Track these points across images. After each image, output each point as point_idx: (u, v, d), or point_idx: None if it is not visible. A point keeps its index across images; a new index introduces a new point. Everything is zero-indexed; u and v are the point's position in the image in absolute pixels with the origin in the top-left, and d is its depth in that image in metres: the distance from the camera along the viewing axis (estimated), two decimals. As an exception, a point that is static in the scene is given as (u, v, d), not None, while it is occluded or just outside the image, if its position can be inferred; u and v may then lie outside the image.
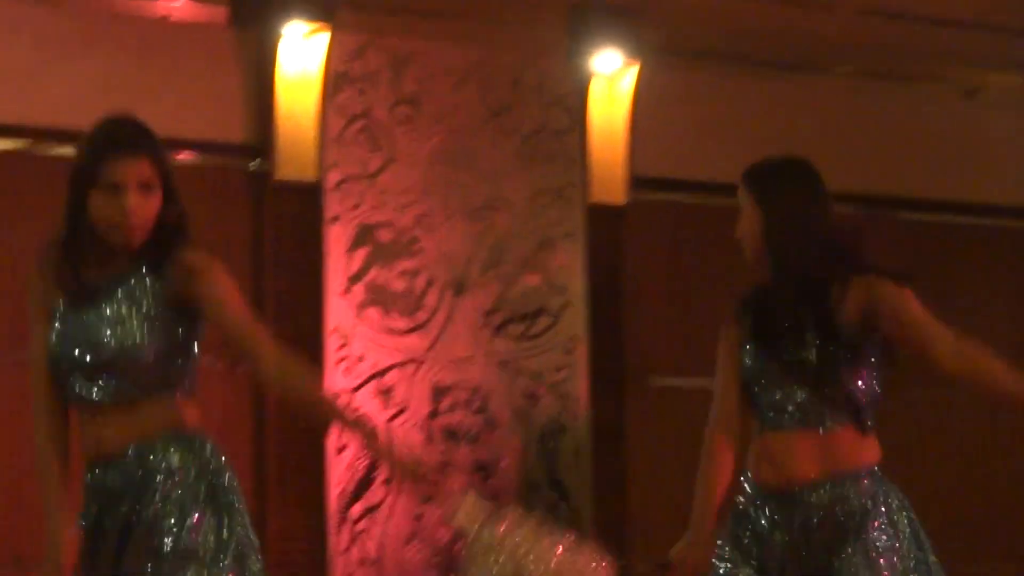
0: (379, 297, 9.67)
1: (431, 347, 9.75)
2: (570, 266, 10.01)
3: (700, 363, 9.78)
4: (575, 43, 10.10)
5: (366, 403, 9.70)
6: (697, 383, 9.81)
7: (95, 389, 5.53)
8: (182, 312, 5.56)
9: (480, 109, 9.92)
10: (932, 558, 6.18)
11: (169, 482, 5.38)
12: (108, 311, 5.50)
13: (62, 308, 5.50)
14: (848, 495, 6.15)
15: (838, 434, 6.03)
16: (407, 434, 9.78)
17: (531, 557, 5.65)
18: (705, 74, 10.54)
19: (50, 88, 9.04)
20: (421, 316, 9.77)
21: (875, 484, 6.15)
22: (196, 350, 5.62)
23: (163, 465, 5.37)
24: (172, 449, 5.40)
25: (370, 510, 9.64)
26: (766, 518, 6.20)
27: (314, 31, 9.41)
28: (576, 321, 10.04)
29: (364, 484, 9.67)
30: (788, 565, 6.17)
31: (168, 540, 5.39)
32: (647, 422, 10.24)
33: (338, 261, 9.59)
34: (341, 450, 9.57)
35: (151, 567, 5.30)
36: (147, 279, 5.49)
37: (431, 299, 9.76)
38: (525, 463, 9.90)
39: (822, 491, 6.10)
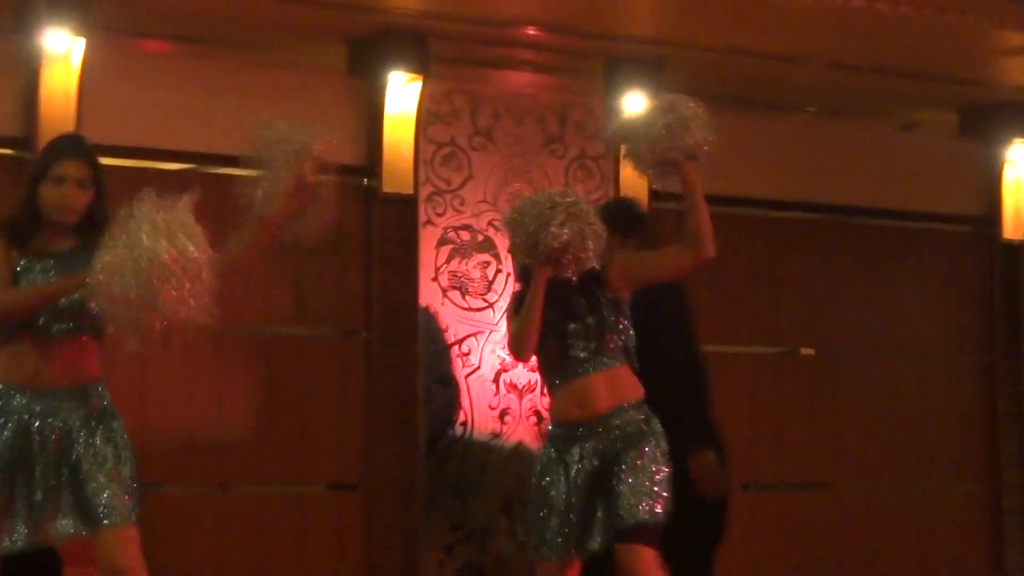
0: (459, 282, 9.92)
1: (498, 320, 9.90)
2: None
3: (705, 333, 10.26)
4: (609, 88, 10.23)
5: (450, 363, 9.81)
6: (705, 349, 10.46)
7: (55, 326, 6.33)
8: None
9: (536, 139, 10.17)
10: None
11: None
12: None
13: (24, 265, 6.31)
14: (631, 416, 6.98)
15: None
16: (480, 386, 9.91)
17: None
18: (715, 113, 9.96)
19: (213, 121, 9.26)
20: (492, 297, 9.98)
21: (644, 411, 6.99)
22: None
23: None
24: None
25: (450, 446, 9.79)
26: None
27: (411, 79, 9.64)
28: None
29: (445, 427, 9.85)
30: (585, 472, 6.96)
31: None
32: None
33: (428, 255, 9.83)
34: (430, 399, 9.80)
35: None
36: (84, 252, 6.25)
37: (498, 284, 10.00)
38: None
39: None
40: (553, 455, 7.23)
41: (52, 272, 6.35)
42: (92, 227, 6.41)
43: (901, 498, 11.35)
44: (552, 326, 6.98)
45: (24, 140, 8.81)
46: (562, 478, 7.27)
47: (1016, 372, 11.70)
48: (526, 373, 9.98)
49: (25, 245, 6.42)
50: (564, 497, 7.20)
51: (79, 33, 8.73)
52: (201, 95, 9.38)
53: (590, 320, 7.01)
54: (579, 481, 7.19)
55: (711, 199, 10.14)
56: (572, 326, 6.99)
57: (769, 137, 11.04)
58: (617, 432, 7.05)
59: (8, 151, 8.85)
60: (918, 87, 10.97)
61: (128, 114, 9.07)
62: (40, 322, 6.28)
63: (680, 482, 7.12)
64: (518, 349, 7.04)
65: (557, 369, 7.07)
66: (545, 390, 7.60)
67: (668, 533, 6.94)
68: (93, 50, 8.82)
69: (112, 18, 9.01)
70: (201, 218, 8.89)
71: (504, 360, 9.95)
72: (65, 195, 6.41)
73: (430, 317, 9.86)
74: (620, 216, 8.11)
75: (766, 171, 10.97)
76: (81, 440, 6.26)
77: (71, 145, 6.63)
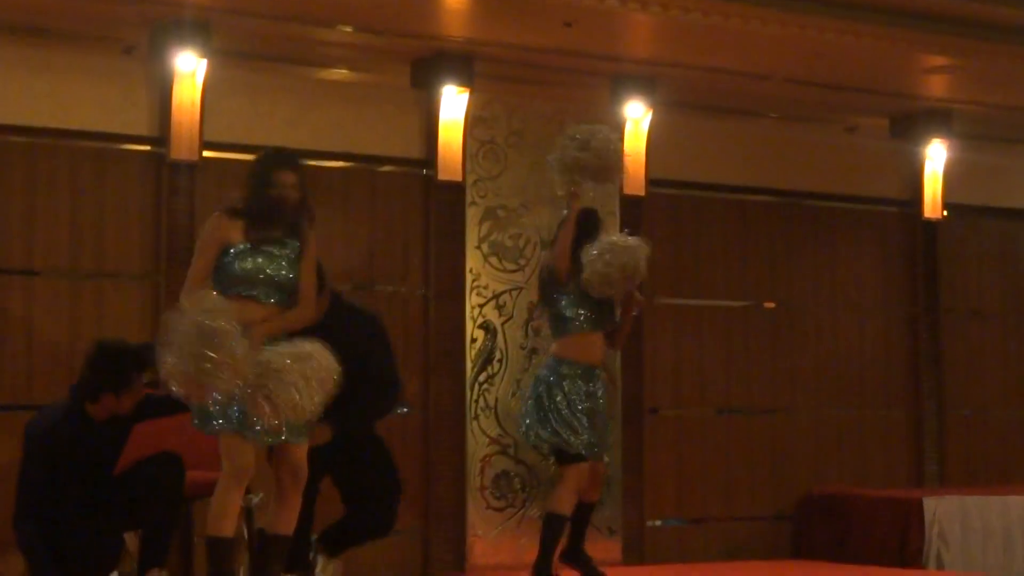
0: (497, 250, 9.89)
1: (527, 280, 9.84)
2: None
3: (688, 289, 10.77)
4: (615, 98, 10.23)
5: (490, 313, 9.79)
6: (690, 303, 10.83)
7: (272, 297, 6.53)
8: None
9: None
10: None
11: None
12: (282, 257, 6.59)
13: (243, 250, 6.48)
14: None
15: None
16: (512, 332, 9.89)
17: None
18: (694, 117, 10.77)
19: (303, 125, 9.28)
20: (521, 262, 9.93)
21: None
22: None
23: None
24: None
25: (490, 377, 9.80)
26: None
27: (461, 91, 9.64)
28: None
29: (485, 362, 9.80)
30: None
31: None
32: (656, 324, 10.48)
33: (473, 229, 9.81)
34: (474, 341, 9.78)
35: None
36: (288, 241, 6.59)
37: (528, 251, 9.96)
38: None
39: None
40: (580, 384, 7.63)
41: (262, 260, 6.54)
42: (296, 220, 6.62)
43: (843, 421, 11.37)
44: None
45: (160, 139, 8.87)
46: (587, 401, 7.64)
47: (934, 323, 11.69)
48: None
49: (247, 233, 6.57)
50: (593, 415, 7.58)
51: (203, 56, 8.81)
52: (294, 103, 9.38)
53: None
54: (600, 404, 7.54)
55: (698, 186, 10.79)
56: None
57: (740, 137, 11.01)
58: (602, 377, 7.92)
59: (147, 147, 8.91)
60: (857, 98, 10.95)
61: (239, 119, 9.13)
62: None
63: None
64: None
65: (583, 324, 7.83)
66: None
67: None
68: (213, 69, 8.89)
69: (227, 44, 9.07)
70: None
71: (532, 311, 9.90)
72: (285, 197, 6.61)
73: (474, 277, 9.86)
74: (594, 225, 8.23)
75: (738, 163, 10.98)
76: None
77: (285, 158, 6.75)
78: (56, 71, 8.68)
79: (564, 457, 7.93)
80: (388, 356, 7.45)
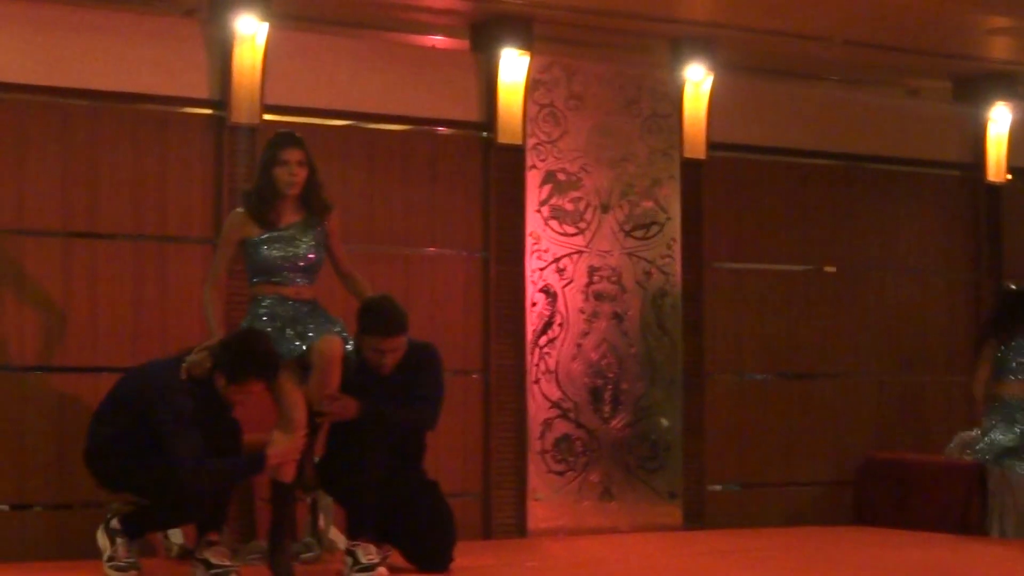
0: (557, 214, 9.85)
1: (588, 243, 9.89)
2: (671, 196, 10.17)
3: (749, 253, 10.74)
4: (675, 61, 10.22)
5: (550, 277, 9.77)
6: (750, 267, 10.76)
7: (295, 277, 7.17)
8: (323, 236, 7.28)
9: (618, 101, 10.06)
10: None
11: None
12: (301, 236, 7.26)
13: (264, 238, 7.24)
14: None
15: None
16: (573, 296, 9.90)
17: None
18: (758, 81, 10.83)
19: (363, 89, 9.32)
20: (582, 225, 9.91)
21: None
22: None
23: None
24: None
25: (550, 340, 9.78)
26: None
27: (521, 54, 9.61)
28: (674, 228, 10.15)
29: (546, 326, 9.79)
30: None
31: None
32: (716, 288, 10.48)
33: (533, 192, 9.77)
34: (534, 305, 9.77)
35: None
36: (306, 223, 7.29)
37: (588, 215, 9.94)
38: (643, 313, 10.05)
39: None
40: None
41: (280, 244, 7.31)
42: (310, 198, 7.36)
43: (904, 386, 11.29)
44: None
45: (220, 102, 8.88)
46: None
47: (997, 287, 11.50)
48: (610, 285, 10.00)
49: (263, 219, 7.29)
50: None
51: (264, 19, 8.81)
52: (354, 67, 9.37)
53: None
54: None
55: (759, 149, 10.73)
56: None
57: (800, 100, 10.95)
58: None
59: (209, 111, 8.92)
60: (919, 60, 10.87)
61: (299, 82, 9.11)
62: None
63: None
64: None
65: None
66: None
67: None
68: (273, 32, 8.89)
69: (287, 7, 9.09)
70: (354, 168, 9.26)
71: (592, 275, 9.96)
72: (292, 173, 7.15)
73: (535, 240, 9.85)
74: None
75: (798, 127, 10.89)
76: None
77: (290, 138, 7.37)
78: (117, 34, 8.70)
79: None
80: (435, 385, 7.65)
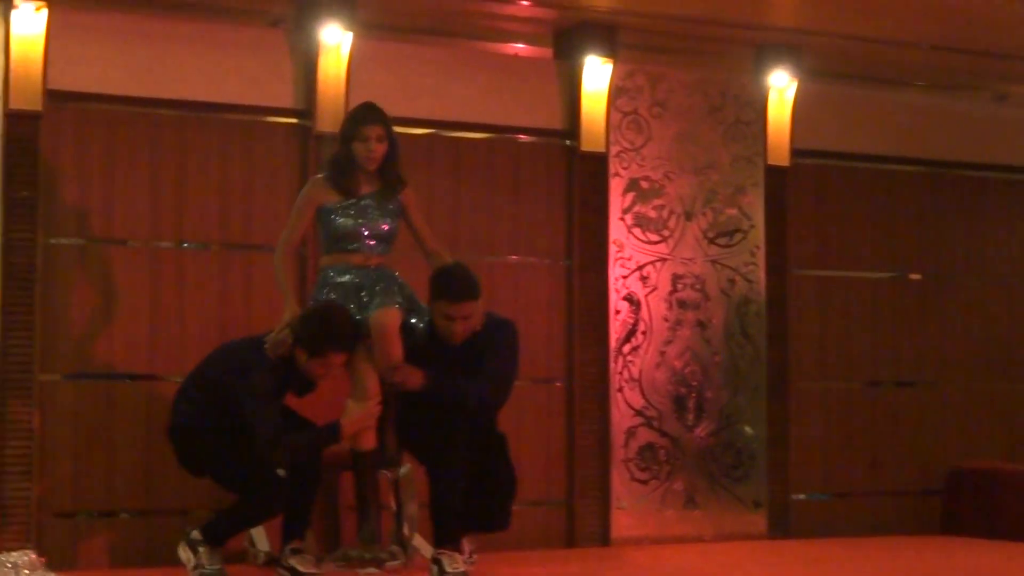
0: (640, 221, 9.84)
1: (671, 251, 9.89)
2: (754, 203, 10.14)
3: (833, 260, 10.65)
4: (759, 67, 10.19)
5: (634, 285, 9.76)
6: (835, 274, 10.68)
7: (368, 246, 7.30)
8: (399, 208, 7.39)
9: (702, 108, 10.06)
10: None
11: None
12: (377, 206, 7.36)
13: (341, 205, 7.37)
14: None
15: None
16: (656, 304, 9.90)
17: None
18: (839, 86, 10.71)
19: (447, 97, 9.35)
20: (665, 233, 9.90)
21: None
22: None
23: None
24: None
25: (634, 348, 9.77)
26: None
27: (604, 62, 9.60)
28: (758, 236, 10.13)
29: (629, 334, 9.77)
30: None
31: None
32: (800, 296, 10.42)
33: (616, 200, 9.76)
34: (618, 313, 9.77)
35: None
36: (381, 194, 7.39)
37: (671, 223, 9.94)
38: (727, 321, 10.04)
39: None
40: None
41: (355, 213, 7.42)
42: (386, 171, 7.45)
43: (992, 395, 11.16)
44: None
45: (306, 112, 8.93)
46: None
47: None
48: (694, 293, 9.98)
49: (341, 187, 7.39)
50: None
51: (348, 29, 8.85)
52: (437, 75, 9.39)
53: None
54: None
55: (844, 156, 10.66)
56: None
57: (886, 106, 10.85)
58: None
59: (294, 120, 8.97)
60: (1008, 65, 10.69)
61: (384, 91, 8.91)
62: None
63: None
64: None
65: None
66: None
67: None
68: (358, 41, 8.93)
69: (372, 16, 9.13)
70: (438, 176, 9.29)
71: (676, 283, 9.94)
72: (370, 149, 7.20)
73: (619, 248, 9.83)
74: None
75: (884, 133, 10.80)
76: None
77: (370, 112, 7.46)
78: (205, 45, 8.78)
79: None
80: (505, 362, 7.48)
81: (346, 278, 7.43)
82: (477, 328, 7.40)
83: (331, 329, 7.16)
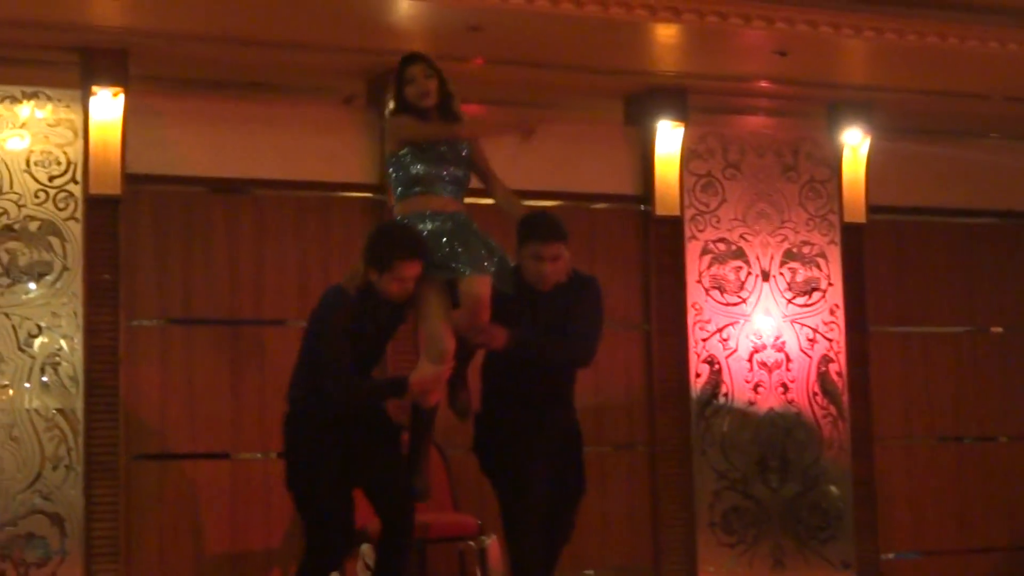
0: (718, 283, 9.85)
1: (751, 312, 9.89)
2: (832, 261, 10.11)
3: (913, 316, 10.56)
4: (832, 125, 10.14)
5: (714, 347, 9.75)
6: (915, 330, 10.62)
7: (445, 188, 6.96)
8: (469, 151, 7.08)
9: (775, 168, 10.07)
10: None
11: None
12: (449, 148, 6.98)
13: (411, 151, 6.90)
14: None
15: None
16: (738, 365, 9.81)
17: None
18: (912, 141, 10.51)
19: (523, 165, 8.68)
20: (744, 294, 9.90)
21: None
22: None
23: None
24: None
25: (715, 411, 9.71)
26: None
27: (676, 126, 9.62)
28: (836, 294, 10.09)
29: (711, 396, 9.75)
30: None
31: None
32: (881, 352, 10.34)
33: (693, 263, 9.77)
34: (698, 376, 9.78)
35: None
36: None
37: (749, 283, 9.93)
38: (808, 380, 9.95)
39: None
40: None
41: (429, 154, 6.94)
42: (444, 109, 7.03)
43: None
44: None
45: (380, 186, 8.83)
46: None
47: None
48: (774, 354, 9.93)
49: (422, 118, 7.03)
50: None
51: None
52: (511, 143, 8.51)
53: None
54: None
55: (920, 210, 10.59)
56: None
57: (960, 159, 10.78)
58: None
59: (368, 194, 9.01)
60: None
61: None
62: None
63: None
64: None
65: None
66: None
67: None
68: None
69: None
70: (514, 244, 9.10)
71: (756, 344, 9.91)
72: (420, 85, 6.91)
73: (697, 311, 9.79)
74: None
75: (959, 186, 10.76)
76: None
77: (411, 55, 7.08)
78: (279, 124, 8.85)
79: None
80: (592, 318, 7.14)
81: (431, 222, 6.94)
82: (563, 279, 7.12)
83: (393, 239, 6.82)
